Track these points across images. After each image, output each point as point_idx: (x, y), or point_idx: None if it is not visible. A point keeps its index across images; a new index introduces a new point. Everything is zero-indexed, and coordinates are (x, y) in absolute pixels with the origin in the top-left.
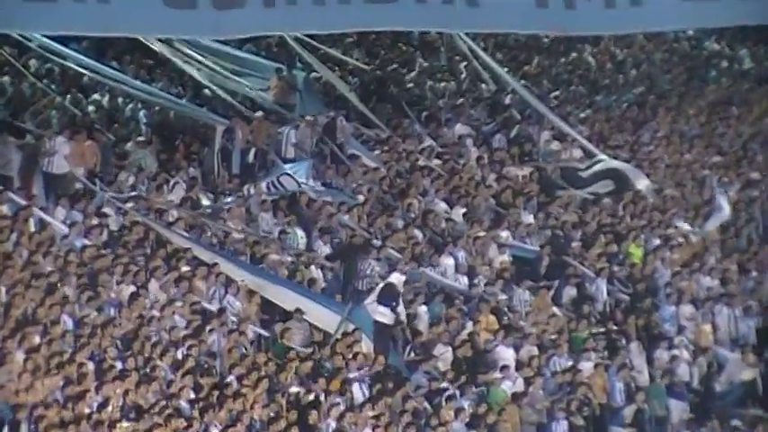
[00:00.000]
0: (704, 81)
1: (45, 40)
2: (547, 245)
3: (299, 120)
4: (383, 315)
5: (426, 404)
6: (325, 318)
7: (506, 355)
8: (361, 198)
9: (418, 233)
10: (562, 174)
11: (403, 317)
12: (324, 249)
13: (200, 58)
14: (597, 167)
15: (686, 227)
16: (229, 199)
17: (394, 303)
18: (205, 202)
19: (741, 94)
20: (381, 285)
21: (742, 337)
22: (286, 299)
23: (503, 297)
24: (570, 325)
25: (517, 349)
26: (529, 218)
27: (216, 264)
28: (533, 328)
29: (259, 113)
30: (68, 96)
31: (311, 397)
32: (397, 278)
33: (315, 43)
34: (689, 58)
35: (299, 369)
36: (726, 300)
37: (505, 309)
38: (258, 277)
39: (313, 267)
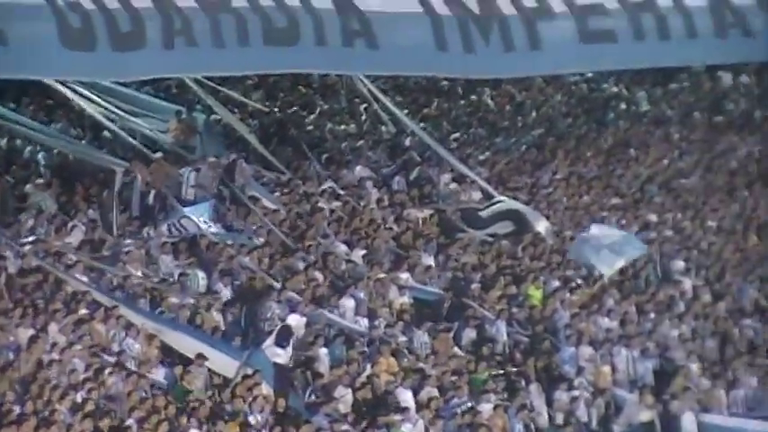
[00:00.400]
0: (602, 123)
1: None
2: (447, 287)
3: (199, 162)
4: (280, 357)
5: None
6: (224, 362)
7: (406, 396)
8: (261, 240)
9: (318, 275)
10: (462, 215)
11: (293, 357)
12: (224, 292)
13: (99, 99)
14: (496, 208)
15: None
16: (129, 241)
17: (285, 344)
18: (103, 244)
19: (638, 135)
20: (278, 328)
21: (640, 379)
22: (185, 344)
23: (403, 339)
24: (470, 366)
25: (417, 392)
26: (429, 260)
27: (115, 306)
28: (433, 369)
29: (158, 155)
30: None
31: None
32: (295, 320)
33: (214, 85)
34: (587, 101)
35: (198, 412)
36: (624, 341)
37: (405, 350)
38: (157, 322)
39: (214, 311)
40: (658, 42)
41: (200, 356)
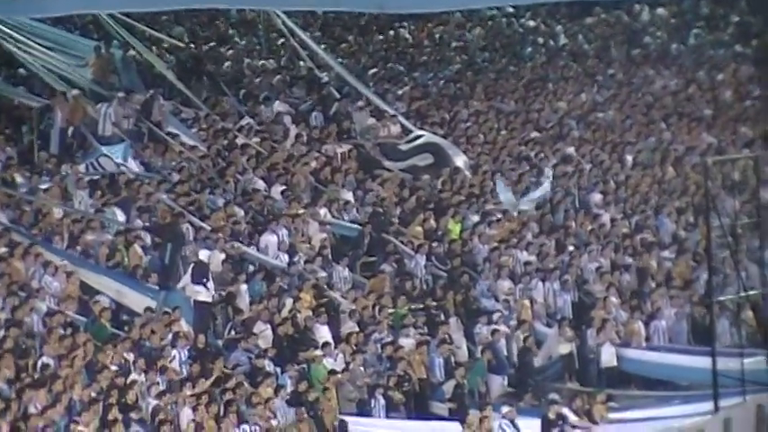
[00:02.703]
0: (520, 58)
1: None
2: (367, 222)
3: (117, 98)
4: (200, 294)
5: (246, 383)
6: (141, 301)
7: (326, 332)
8: (178, 177)
9: (239, 211)
10: (381, 149)
11: (214, 293)
12: (142, 228)
13: (16, 35)
14: (416, 141)
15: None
16: (46, 178)
17: (205, 280)
18: (21, 181)
19: (556, 70)
20: (193, 264)
21: (559, 311)
22: (102, 282)
23: (322, 274)
24: (389, 301)
25: (337, 326)
26: (348, 195)
27: (33, 244)
28: (353, 305)
29: (76, 92)
30: None
31: (131, 377)
32: (208, 255)
33: (131, 21)
34: (505, 35)
35: (117, 349)
36: (543, 274)
37: (325, 286)
38: (74, 261)
39: (136, 247)
40: None
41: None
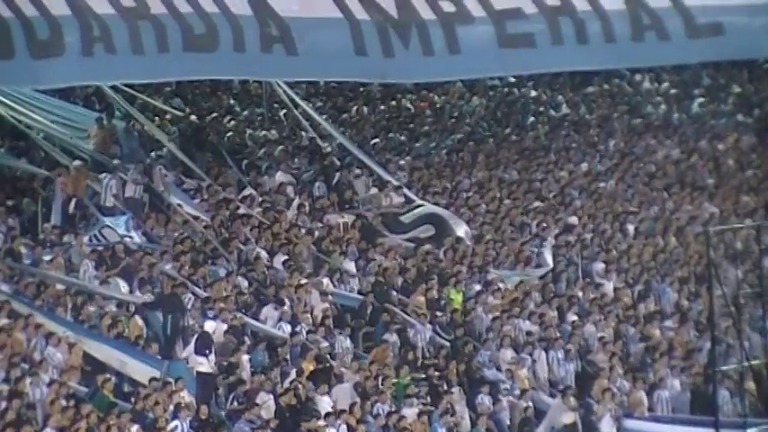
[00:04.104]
0: (522, 127)
1: None
2: (369, 292)
3: (119, 169)
4: (202, 365)
5: None
6: (145, 371)
7: (327, 402)
8: (181, 247)
9: (241, 281)
10: (383, 220)
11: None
12: (145, 300)
13: (18, 106)
14: (417, 212)
15: (505, 273)
16: (49, 249)
17: (207, 351)
18: (24, 252)
19: (558, 139)
20: (197, 335)
21: (561, 381)
22: (105, 353)
23: (325, 344)
24: (392, 371)
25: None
26: (350, 265)
27: (30, 315)
28: (356, 375)
29: (78, 163)
30: None
31: None
32: (214, 327)
33: (133, 92)
34: (506, 105)
35: (120, 420)
36: (545, 344)
37: (327, 356)
38: (77, 331)
39: (137, 318)
40: (576, 46)
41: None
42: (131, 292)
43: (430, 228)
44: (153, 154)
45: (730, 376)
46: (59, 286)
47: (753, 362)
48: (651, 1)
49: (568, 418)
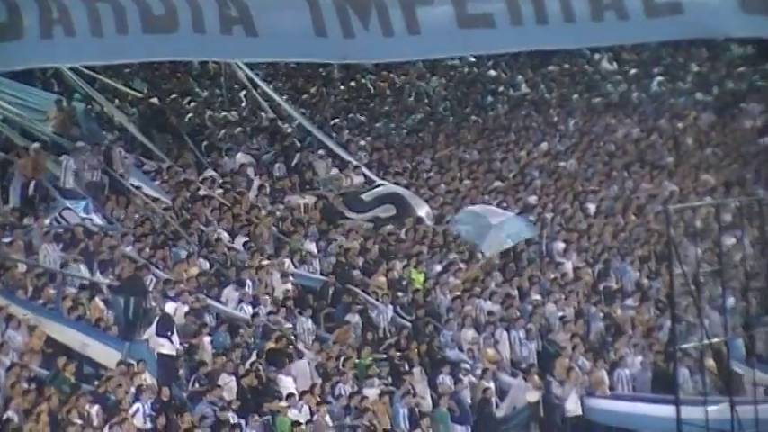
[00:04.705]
0: (482, 107)
1: None
2: (330, 273)
3: (78, 150)
4: (164, 347)
5: None
6: (107, 353)
7: (288, 383)
8: (141, 229)
9: (202, 262)
10: (344, 200)
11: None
12: (106, 282)
13: None
14: (378, 191)
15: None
16: (9, 233)
17: (169, 333)
18: None
19: (518, 119)
20: (158, 317)
21: (523, 360)
22: (67, 335)
23: (287, 325)
24: (354, 352)
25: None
26: (311, 246)
27: None
28: (318, 356)
29: (36, 145)
30: None
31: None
32: (174, 308)
33: (92, 74)
34: (466, 85)
35: (80, 402)
36: (507, 324)
37: (292, 337)
38: (38, 314)
39: (97, 300)
40: (536, 26)
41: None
42: (92, 274)
43: (391, 207)
44: (112, 135)
45: (690, 354)
46: (20, 269)
47: (713, 340)
48: None
49: (532, 396)
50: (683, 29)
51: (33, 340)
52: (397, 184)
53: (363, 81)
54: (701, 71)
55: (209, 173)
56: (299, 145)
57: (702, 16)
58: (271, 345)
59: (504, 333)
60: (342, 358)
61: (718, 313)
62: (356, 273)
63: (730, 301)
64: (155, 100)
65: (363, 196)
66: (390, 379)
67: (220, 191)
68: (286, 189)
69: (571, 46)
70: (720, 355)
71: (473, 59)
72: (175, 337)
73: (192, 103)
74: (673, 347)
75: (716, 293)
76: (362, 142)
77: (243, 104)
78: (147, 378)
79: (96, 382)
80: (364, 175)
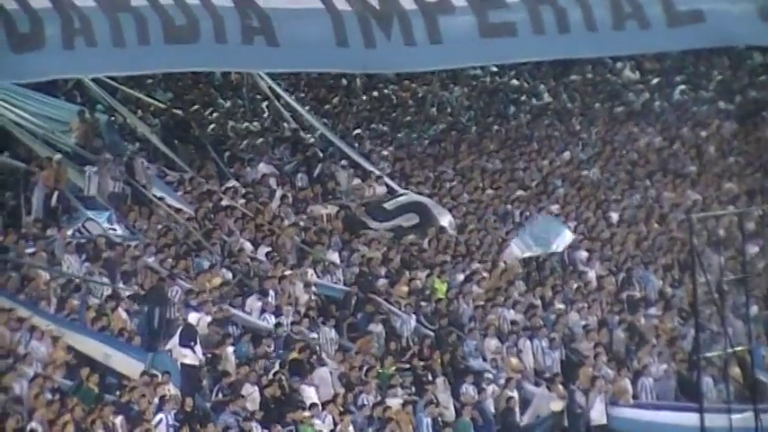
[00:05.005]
0: (504, 116)
1: None
2: (353, 283)
3: (101, 162)
4: (187, 357)
5: None
6: (130, 364)
7: (311, 393)
8: (164, 240)
9: (225, 273)
10: (366, 209)
11: (202, 357)
12: (129, 293)
13: None
14: (401, 200)
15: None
16: (32, 243)
17: (192, 343)
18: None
19: (540, 128)
20: (181, 327)
21: (547, 370)
22: (90, 345)
23: (310, 335)
24: (377, 362)
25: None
26: (334, 256)
27: (12, 309)
28: (341, 365)
29: (59, 156)
30: None
31: None
32: (197, 318)
33: (115, 84)
34: (489, 94)
35: (104, 412)
36: (530, 333)
37: (317, 347)
38: (61, 325)
39: (120, 311)
40: (558, 35)
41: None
42: (114, 284)
43: (414, 216)
44: (134, 146)
45: (714, 363)
46: (43, 279)
47: (736, 348)
48: None
49: (556, 405)
50: (705, 37)
51: (57, 351)
52: (419, 193)
53: (386, 91)
54: (724, 79)
55: (232, 183)
56: (321, 155)
57: (724, 24)
58: (294, 355)
59: (528, 342)
60: (365, 368)
61: (742, 322)
62: (379, 282)
63: (754, 309)
64: (177, 111)
65: (386, 205)
66: (413, 389)
67: (243, 201)
68: (308, 199)
69: (593, 55)
70: (744, 363)
71: (495, 69)
72: (198, 348)
73: (215, 114)
74: (696, 356)
75: (739, 302)
76: (385, 152)
77: (265, 115)
78: (171, 389)
79: (118, 393)
80: (387, 185)
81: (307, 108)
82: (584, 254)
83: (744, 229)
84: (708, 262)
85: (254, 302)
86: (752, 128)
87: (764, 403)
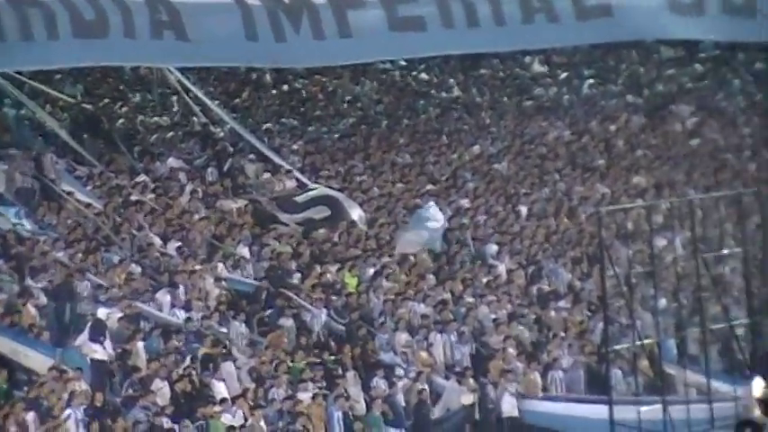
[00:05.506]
0: (414, 110)
1: None
2: (264, 277)
3: (10, 157)
4: (97, 352)
5: None
6: (40, 360)
7: (221, 388)
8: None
9: (135, 268)
10: (277, 203)
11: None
12: (38, 288)
13: None
14: (312, 194)
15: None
16: None
17: (102, 338)
18: None
19: (450, 122)
20: (91, 322)
21: (457, 364)
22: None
23: (221, 330)
24: (287, 356)
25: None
26: (244, 250)
27: None
28: (251, 360)
29: None
30: None
31: None
32: (106, 314)
33: (23, 78)
34: (399, 88)
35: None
36: (440, 326)
37: (226, 341)
38: None
39: (30, 307)
40: (467, 29)
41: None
42: (23, 280)
43: (324, 209)
44: (44, 141)
45: (623, 355)
46: None
47: (645, 341)
48: None
49: (467, 398)
50: (613, 31)
51: None
52: (329, 187)
53: (296, 85)
54: (632, 73)
55: (142, 178)
56: (231, 149)
57: (632, 18)
58: (204, 350)
59: (438, 336)
60: (275, 362)
61: (651, 314)
62: (290, 277)
63: (662, 302)
64: (86, 105)
65: (297, 199)
66: (324, 383)
67: (152, 195)
68: (218, 193)
69: (502, 49)
70: (653, 355)
71: (404, 63)
72: (108, 343)
73: (124, 108)
74: (605, 349)
75: (648, 295)
76: (295, 146)
77: (175, 109)
78: (81, 384)
79: (26, 389)
80: (297, 180)
81: (216, 102)
82: (494, 247)
83: (652, 222)
84: (616, 255)
85: (163, 297)
86: (659, 121)
87: (672, 396)
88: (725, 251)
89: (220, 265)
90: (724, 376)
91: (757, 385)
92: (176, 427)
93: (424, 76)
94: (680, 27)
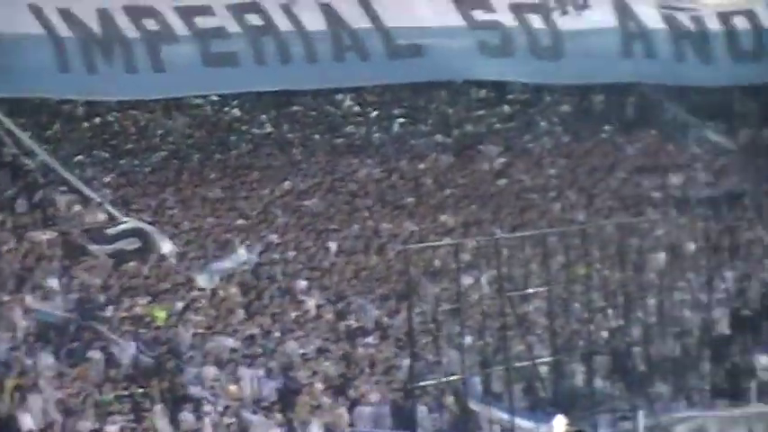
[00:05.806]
0: (226, 145)
1: None
2: (73, 309)
3: None
4: None
5: None
6: None
7: (29, 420)
8: None
9: None
10: (88, 235)
11: None
12: None
13: None
14: (123, 226)
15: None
16: None
17: None
18: None
19: (261, 158)
20: None
21: (265, 398)
22: None
23: (28, 361)
24: (95, 389)
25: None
26: (53, 282)
27: None
28: (58, 392)
29: None
30: None
31: None
32: None
33: None
34: (211, 123)
35: None
36: (249, 361)
37: (32, 374)
38: None
39: None
40: (280, 66)
41: None
42: None
43: (135, 241)
44: None
45: (429, 392)
46: None
47: (451, 378)
48: (352, 21)
49: None
50: (424, 71)
51: None
52: (141, 220)
53: (108, 118)
54: (441, 113)
55: None
56: (41, 181)
57: (442, 59)
58: (12, 381)
59: (247, 370)
60: (83, 395)
61: (457, 351)
62: (99, 309)
63: (468, 339)
64: None
65: (107, 231)
66: (132, 416)
67: None
68: (28, 225)
69: (314, 86)
70: (458, 392)
71: (217, 98)
72: None
73: None
74: (411, 385)
75: (454, 332)
76: (107, 179)
77: None
78: None
79: None
80: (108, 212)
81: (28, 134)
82: (303, 283)
83: (459, 261)
84: (424, 292)
85: None
86: (468, 161)
87: None
88: (530, 290)
89: (29, 297)
90: (528, 413)
91: (559, 422)
92: None
93: (236, 111)
94: (489, 68)
